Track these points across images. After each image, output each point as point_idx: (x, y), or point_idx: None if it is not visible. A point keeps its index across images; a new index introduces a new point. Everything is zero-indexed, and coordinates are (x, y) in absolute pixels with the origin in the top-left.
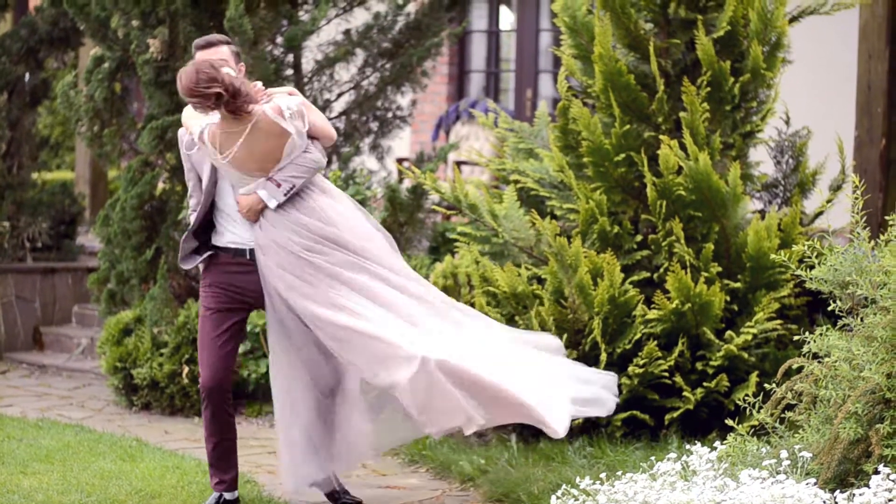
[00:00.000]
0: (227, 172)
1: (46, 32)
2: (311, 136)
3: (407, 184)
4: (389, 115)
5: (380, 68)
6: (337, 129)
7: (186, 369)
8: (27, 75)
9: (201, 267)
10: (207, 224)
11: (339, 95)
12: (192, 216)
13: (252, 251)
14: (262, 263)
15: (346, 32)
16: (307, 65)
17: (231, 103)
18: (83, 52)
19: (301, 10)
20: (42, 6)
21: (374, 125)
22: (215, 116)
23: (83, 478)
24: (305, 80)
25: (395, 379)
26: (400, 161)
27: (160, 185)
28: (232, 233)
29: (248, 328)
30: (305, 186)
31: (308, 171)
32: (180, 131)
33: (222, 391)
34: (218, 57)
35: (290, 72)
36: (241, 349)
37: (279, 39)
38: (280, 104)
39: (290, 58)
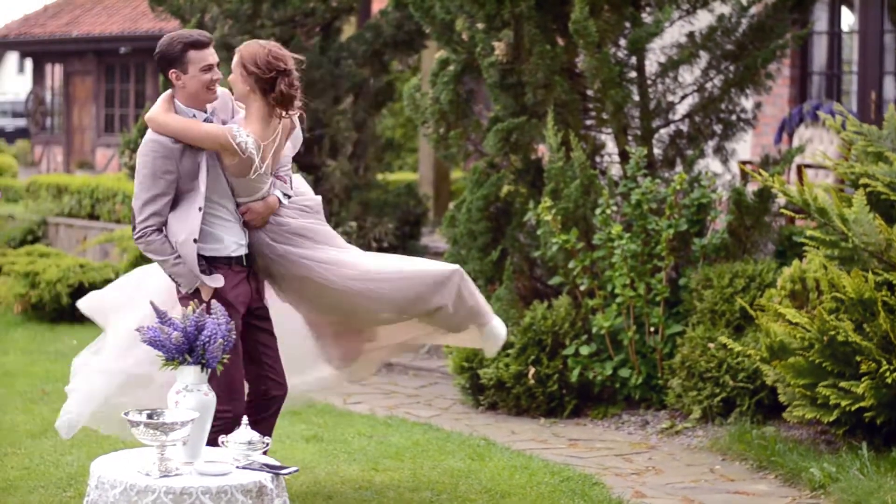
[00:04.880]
0: (247, 181)
1: (391, 35)
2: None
3: (752, 187)
4: (733, 117)
5: (723, 70)
6: (680, 131)
7: (532, 370)
8: (371, 78)
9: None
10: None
11: (683, 98)
12: (155, 226)
13: (247, 256)
14: (279, 256)
15: (690, 35)
16: (650, 67)
17: (287, 90)
18: (425, 54)
19: (644, 13)
20: (386, 9)
21: (717, 128)
22: (197, 120)
23: (433, 476)
24: (649, 82)
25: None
26: (743, 164)
27: (505, 187)
28: (232, 240)
29: (594, 330)
30: None
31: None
32: (154, 136)
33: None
34: (211, 58)
35: (633, 74)
36: (585, 351)
37: (622, 42)
38: None
39: (634, 60)
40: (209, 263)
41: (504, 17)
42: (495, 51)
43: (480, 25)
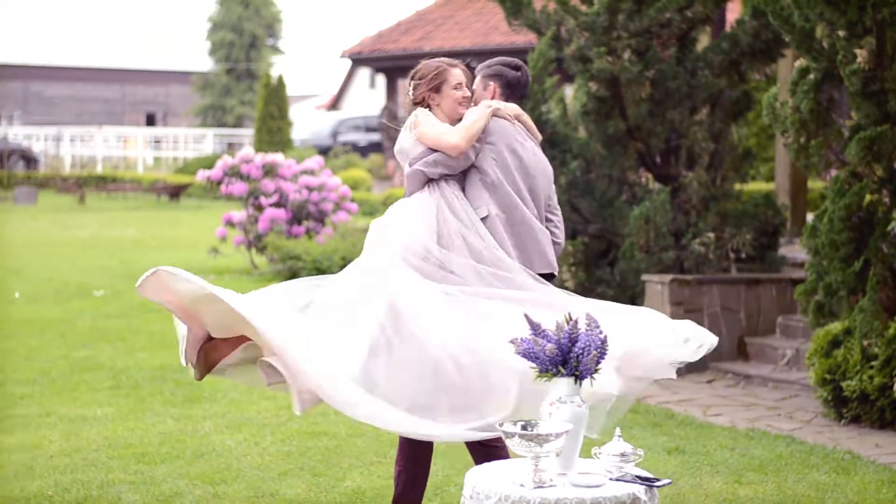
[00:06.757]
0: None
1: (748, 45)
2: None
3: None
4: None
5: None
6: None
7: None
8: (727, 88)
9: None
10: None
11: None
12: None
13: None
14: None
15: None
16: None
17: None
18: (782, 63)
19: None
20: (742, 19)
21: None
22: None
23: (798, 489)
24: None
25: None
26: None
27: (868, 197)
28: None
29: None
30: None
31: (407, 178)
32: None
33: None
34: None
35: None
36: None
37: None
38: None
39: None
40: None
41: (866, 23)
42: (857, 58)
43: (841, 33)
